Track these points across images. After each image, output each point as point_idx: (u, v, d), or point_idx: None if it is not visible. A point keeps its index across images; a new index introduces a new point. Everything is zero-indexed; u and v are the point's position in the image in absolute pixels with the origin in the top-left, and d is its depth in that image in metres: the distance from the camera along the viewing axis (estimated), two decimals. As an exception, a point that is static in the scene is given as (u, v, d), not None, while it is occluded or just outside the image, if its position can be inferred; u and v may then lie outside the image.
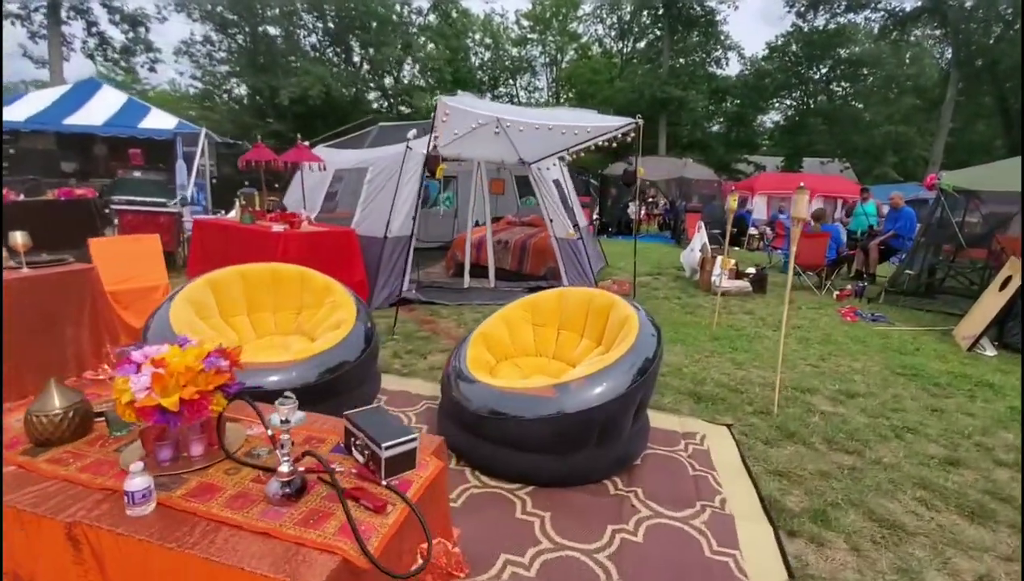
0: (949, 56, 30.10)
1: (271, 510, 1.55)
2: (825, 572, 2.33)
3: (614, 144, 5.84)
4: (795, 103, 34.17)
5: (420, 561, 1.72)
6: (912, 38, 31.20)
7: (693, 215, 13.49)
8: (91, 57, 21.04)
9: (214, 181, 12.45)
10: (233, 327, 3.70)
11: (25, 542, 1.55)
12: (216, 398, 1.83)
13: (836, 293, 7.95)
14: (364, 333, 3.58)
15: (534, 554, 2.30)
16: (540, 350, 3.68)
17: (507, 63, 36.90)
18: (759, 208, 15.36)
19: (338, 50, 31.78)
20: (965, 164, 8.72)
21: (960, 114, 28.26)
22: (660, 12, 30.50)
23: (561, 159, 6.57)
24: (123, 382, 1.64)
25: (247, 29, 29.30)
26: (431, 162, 4.80)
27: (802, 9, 30.12)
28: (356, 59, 33.13)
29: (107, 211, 7.00)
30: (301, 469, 1.69)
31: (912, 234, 9.14)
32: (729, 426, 3.66)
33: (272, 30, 30.13)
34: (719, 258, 7.71)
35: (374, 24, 30.59)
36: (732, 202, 5.57)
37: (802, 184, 3.62)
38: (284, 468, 1.66)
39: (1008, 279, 5.64)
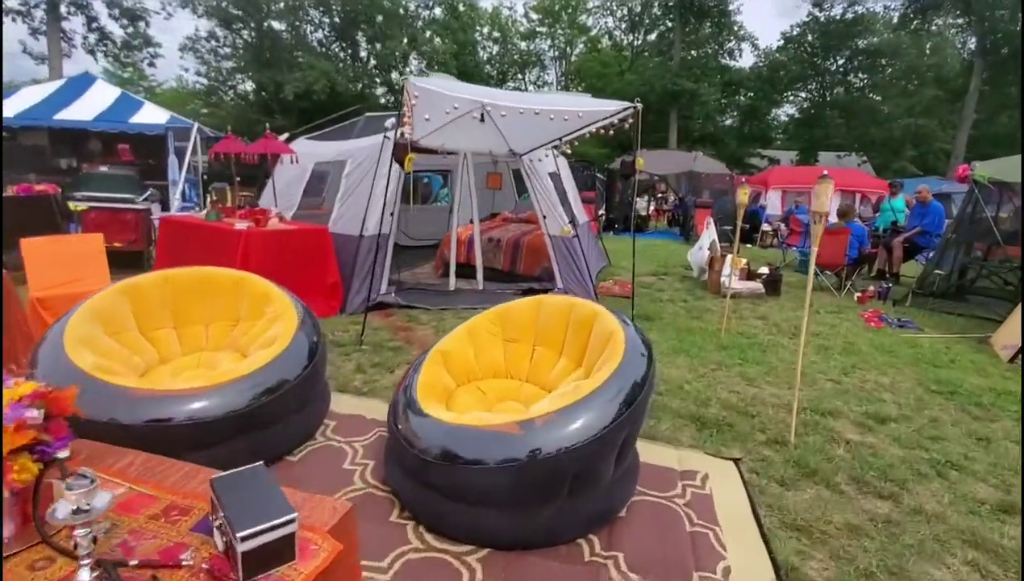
0: (972, 45, 28.96)
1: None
2: None
3: (611, 131, 5.23)
4: (811, 95, 33.16)
5: None
6: (934, 27, 30.07)
7: (703, 211, 12.80)
8: (92, 53, 20.75)
9: (205, 177, 12.01)
10: (155, 343, 3.17)
11: None
12: (21, 463, 1.31)
13: (857, 295, 7.27)
14: (307, 348, 3.05)
15: (471, 660, 1.73)
16: (511, 371, 3.10)
17: (515, 57, 36.23)
18: (773, 203, 14.62)
19: (344, 45, 31.31)
20: (990, 157, 7.97)
21: (984, 105, 27.12)
22: (671, 3, 29.63)
23: (556, 148, 5.99)
24: None
25: (252, 24, 28.92)
26: (399, 151, 4.24)
27: (819, -2, 29.12)
28: (363, 54, 32.67)
29: (72, 208, 6.52)
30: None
31: (940, 231, 8.42)
32: (737, 461, 3.06)
33: (278, 25, 29.74)
34: (729, 257, 7.06)
35: (380, 18, 30.07)
36: (743, 196, 4.95)
37: (825, 173, 3.00)
38: (83, 577, 1.15)
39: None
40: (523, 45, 36.57)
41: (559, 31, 36.18)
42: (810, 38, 31.09)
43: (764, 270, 7.25)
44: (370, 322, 5.31)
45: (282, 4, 29.10)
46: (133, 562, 1.21)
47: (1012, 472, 3.12)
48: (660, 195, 19.51)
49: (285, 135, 6.44)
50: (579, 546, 2.29)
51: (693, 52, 31.14)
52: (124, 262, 6.86)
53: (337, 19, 30.96)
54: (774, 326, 5.84)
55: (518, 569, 2.13)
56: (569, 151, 7.27)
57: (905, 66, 29.40)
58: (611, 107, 4.88)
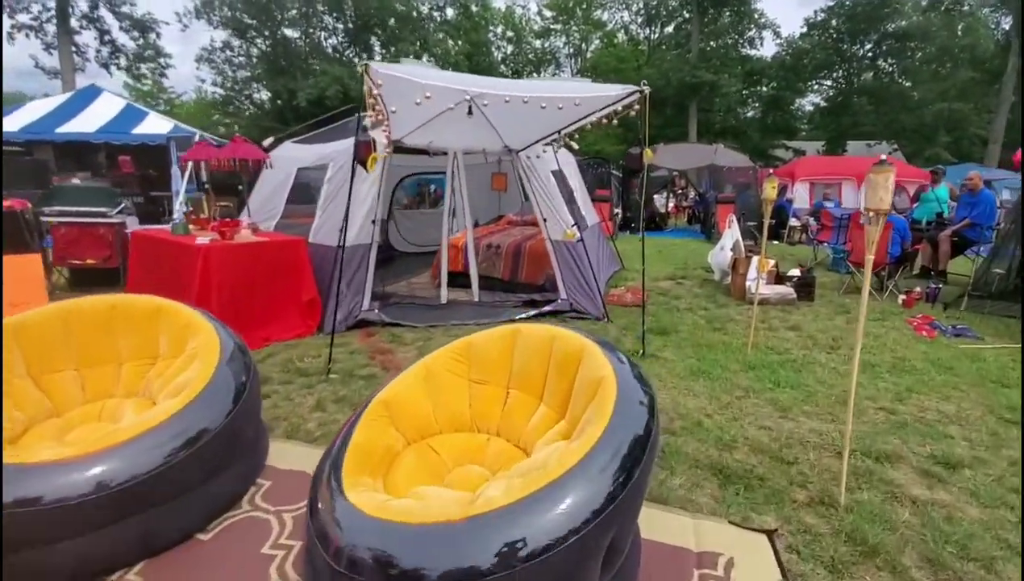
0: (1007, 26, 27.31)
1: None
2: None
3: (615, 120, 4.53)
4: (837, 83, 31.73)
5: None
6: (966, 7, 28.46)
7: (725, 207, 11.94)
8: (105, 66, 20.69)
9: (206, 186, 11.59)
10: (50, 389, 2.59)
11: None
12: None
13: (902, 297, 6.42)
14: (230, 390, 2.46)
15: None
16: (478, 421, 2.44)
17: (530, 56, 35.54)
18: (801, 196, 13.67)
19: (358, 49, 30.97)
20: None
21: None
22: (689, -7, 28.61)
23: (554, 143, 5.31)
24: None
25: (266, 33, 28.80)
26: (360, 150, 3.61)
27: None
28: (377, 58, 32.33)
29: (43, 222, 6.08)
30: None
31: (992, 222, 7.50)
32: (771, 534, 2.35)
33: (292, 33, 29.59)
34: (755, 258, 6.27)
35: (392, 21, 29.70)
36: (770, 190, 4.20)
37: (884, 156, 2.27)
38: None
39: None
40: (537, 43, 35.89)
41: (574, 27, 35.39)
42: (834, 23, 29.73)
43: (795, 272, 6.44)
44: (348, 343, 4.71)
45: (295, 12, 28.94)
46: None
47: None
48: (679, 191, 18.63)
49: (270, 139, 5.85)
50: None
51: (712, 43, 30.04)
52: (98, 280, 6.41)
53: (350, 24, 30.70)
54: (809, 339, 5.06)
55: None
56: (577, 147, 6.60)
57: (936, 49, 27.88)
58: (613, 91, 4.18)
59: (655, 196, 15.58)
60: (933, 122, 27.60)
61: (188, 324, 2.76)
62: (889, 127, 28.49)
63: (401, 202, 10.29)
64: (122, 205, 6.41)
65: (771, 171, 4.25)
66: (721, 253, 6.91)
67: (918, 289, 6.55)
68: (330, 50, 30.65)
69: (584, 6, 34.64)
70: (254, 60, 29.03)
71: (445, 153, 5.83)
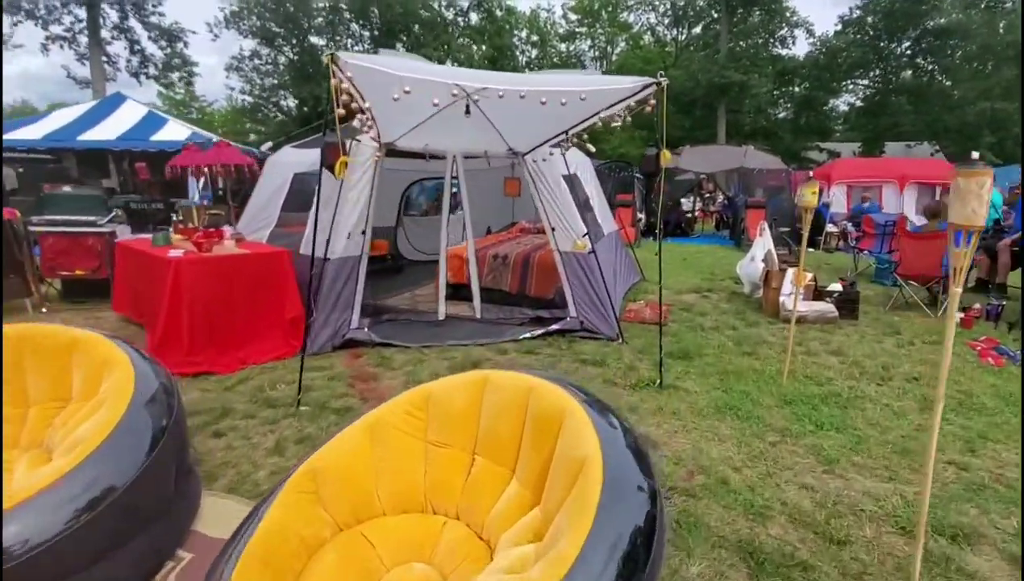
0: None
1: None
2: None
3: (629, 118, 3.95)
4: (873, 82, 30.27)
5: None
6: (1008, 4, 26.83)
7: (756, 212, 11.18)
8: (135, 76, 20.88)
9: (220, 192, 11.36)
10: (-65, 440, 2.14)
11: None
12: None
13: (959, 315, 5.63)
14: (144, 438, 2.00)
15: None
16: (434, 498, 1.89)
17: (555, 59, 34.92)
18: (838, 200, 12.78)
19: (383, 56, 30.80)
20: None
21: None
22: (718, -8, 27.64)
23: (562, 145, 4.76)
24: None
25: (294, 41, 28.90)
26: (329, 154, 3.12)
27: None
28: (401, 64, 32.16)
29: (31, 232, 5.78)
30: None
31: (1057, 229, 6.64)
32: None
33: (319, 41, 29.62)
34: (790, 271, 5.60)
35: (416, 27, 29.51)
36: (810, 195, 3.56)
37: (975, 154, 1.67)
38: None
39: None
40: (563, 47, 35.28)
41: (599, 30, 34.69)
42: (870, 20, 28.36)
43: (836, 287, 5.72)
44: (330, 367, 4.23)
45: (321, 20, 28.98)
46: None
47: None
48: (707, 195, 17.82)
49: (269, 144, 5.43)
50: None
51: (742, 43, 28.97)
52: (87, 291, 6.09)
53: (376, 32, 30.61)
54: (854, 366, 4.37)
55: None
56: (593, 149, 6.02)
57: (978, 46, 26.32)
58: (625, 84, 3.60)
59: (682, 200, 14.84)
60: (976, 122, 26.02)
61: (106, 360, 2.29)
62: (930, 127, 26.99)
63: (420, 207, 9.82)
64: (113, 213, 6.08)
65: (811, 174, 3.66)
66: (751, 264, 6.23)
67: (977, 306, 5.76)
68: (356, 57, 30.59)
69: (610, 8, 33.90)
70: (281, 68, 29.14)
71: (438, 157, 5.31)
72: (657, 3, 32.35)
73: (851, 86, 31.11)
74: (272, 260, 4.58)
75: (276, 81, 29.54)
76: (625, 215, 11.94)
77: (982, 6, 26.52)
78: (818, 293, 5.69)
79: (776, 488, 2.67)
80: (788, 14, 28.65)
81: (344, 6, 28.71)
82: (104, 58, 19.70)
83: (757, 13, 28.56)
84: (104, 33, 19.11)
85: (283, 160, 6.37)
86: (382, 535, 1.72)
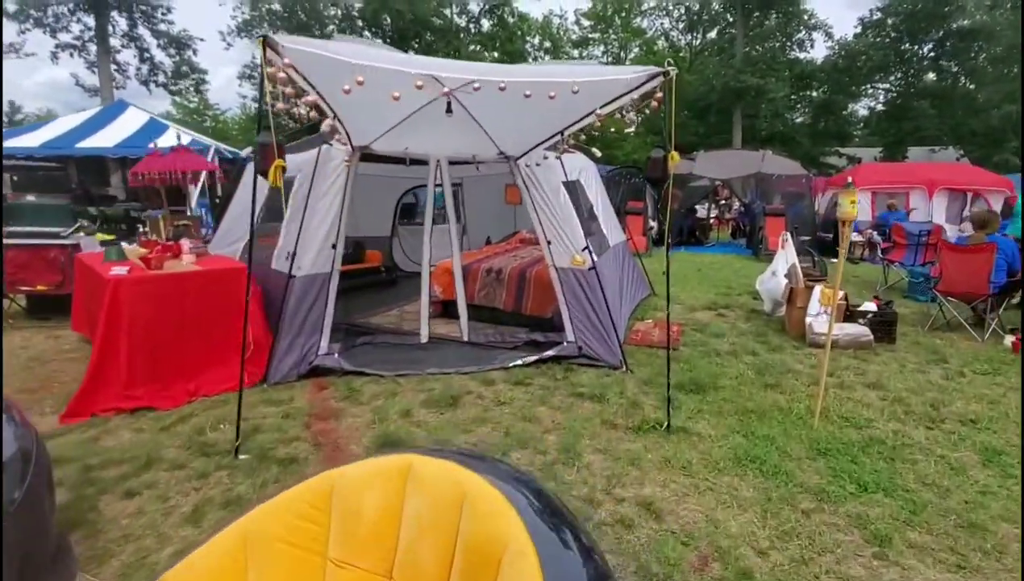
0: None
1: None
2: None
3: (633, 114, 3.36)
4: (894, 85, 29.25)
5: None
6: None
7: (775, 219, 10.48)
8: (145, 84, 20.76)
9: (216, 200, 10.95)
10: None
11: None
12: None
13: (1010, 339, 4.94)
14: None
15: None
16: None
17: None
18: (862, 207, 11.97)
19: (394, 63, 30.56)
20: None
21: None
22: (734, -5, 26.88)
23: (557, 147, 4.18)
24: None
25: (306, 49, 28.71)
26: (263, 156, 2.58)
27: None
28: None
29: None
30: None
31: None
32: None
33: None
34: (818, 288, 4.94)
35: (428, 35, 29.23)
36: (849, 205, 2.93)
37: None
38: None
39: None
40: (575, 53, 34.68)
41: (612, 36, 34.07)
42: (890, 22, 27.40)
43: (870, 306, 5.04)
44: (289, 400, 3.68)
45: (333, 28, 28.79)
46: None
47: None
48: (723, 201, 17.09)
49: (247, 149, 4.93)
50: None
51: (758, 47, 28.17)
52: (48, 309, 5.62)
53: (388, 40, 30.37)
54: (897, 403, 3.70)
55: None
56: (599, 154, 5.45)
57: (1003, 48, 25.27)
58: (626, 75, 3.01)
59: (696, 207, 14.14)
60: (1000, 126, 24.98)
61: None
62: (954, 131, 25.97)
63: (423, 216, 9.26)
64: (78, 224, 5.62)
65: (850, 179, 3.06)
66: (773, 280, 5.57)
67: (1032, 327, 5.04)
68: (368, 64, 30.39)
69: (623, 14, 33.30)
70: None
71: (420, 160, 4.76)
72: (671, 8, 31.70)
73: (871, 90, 30.15)
74: (229, 277, 4.05)
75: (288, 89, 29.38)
76: (636, 224, 11.31)
77: (1007, 7, 25.47)
78: (850, 313, 5.02)
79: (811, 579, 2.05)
80: (806, 17, 27.83)
81: (356, 14, 28.53)
82: (114, 66, 19.60)
83: (774, 16, 27.77)
84: (114, 41, 19.00)
85: (262, 166, 5.86)
86: None
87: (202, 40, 20.99)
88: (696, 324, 5.58)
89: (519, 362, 4.19)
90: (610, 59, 35.64)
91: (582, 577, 1.04)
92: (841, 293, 4.97)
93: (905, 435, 3.26)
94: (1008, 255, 5.12)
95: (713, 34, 31.02)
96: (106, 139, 12.35)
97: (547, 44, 34.47)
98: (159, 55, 19.90)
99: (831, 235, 11.11)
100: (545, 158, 4.34)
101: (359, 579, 1.34)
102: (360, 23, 29.74)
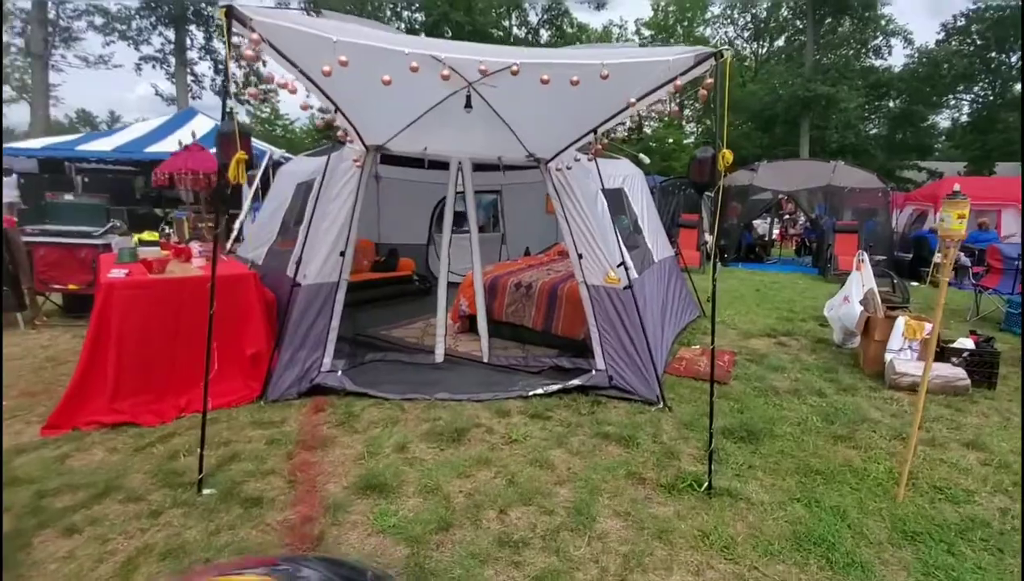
0: None
1: None
2: None
3: (677, 105, 2.77)
4: (979, 96, 26.75)
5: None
6: None
7: (846, 237, 9.46)
8: (219, 94, 21.61)
9: (257, 206, 11.00)
10: None
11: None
12: None
13: None
14: None
15: None
16: None
17: (627, 76, 33.54)
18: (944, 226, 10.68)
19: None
20: None
21: None
22: (804, 2, 25.31)
23: (585, 149, 3.64)
24: None
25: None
26: (223, 147, 2.19)
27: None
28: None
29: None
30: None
31: None
32: None
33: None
34: (901, 319, 4.14)
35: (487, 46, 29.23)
36: (956, 221, 2.23)
37: None
38: None
39: None
40: (635, 63, 33.82)
41: (674, 45, 33.00)
42: (976, 28, 25.06)
43: (965, 342, 4.17)
44: (282, 422, 3.29)
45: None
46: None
47: None
48: (787, 215, 15.91)
49: (282, 151, 4.67)
50: None
51: (830, 55, 26.45)
52: (83, 307, 5.52)
53: (449, 50, 30.60)
54: (1003, 470, 2.91)
55: None
56: (647, 160, 4.85)
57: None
58: (669, 57, 2.45)
59: (756, 221, 13.14)
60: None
61: None
62: (1051, 145, 23.41)
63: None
64: (110, 224, 5.53)
65: (956, 188, 2.42)
66: (846, 306, 4.77)
67: None
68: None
69: (685, 23, 32.21)
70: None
71: (441, 160, 4.33)
72: (736, 16, 30.35)
73: (954, 100, 27.72)
74: (233, 285, 3.73)
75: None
76: (689, 237, 10.53)
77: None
78: (940, 350, 4.17)
79: None
80: (883, 22, 25.89)
81: (418, 26, 28.86)
82: (191, 77, 20.51)
83: (848, 22, 26.00)
84: (192, 54, 19.87)
85: (290, 169, 5.63)
86: None
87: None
88: (751, 353, 4.85)
89: (540, 391, 3.65)
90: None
91: None
92: (927, 325, 4.15)
93: (1015, 516, 2.50)
94: None
95: (781, 41, 29.43)
96: (173, 144, 12.73)
97: (606, 54, 33.82)
98: (232, 67, 20.55)
99: (910, 255, 9.94)
100: (577, 160, 3.80)
101: None
102: (422, 34, 30.14)
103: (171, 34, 19.45)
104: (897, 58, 27.14)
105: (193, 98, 20.59)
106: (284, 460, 2.85)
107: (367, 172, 3.76)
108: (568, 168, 3.76)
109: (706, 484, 2.61)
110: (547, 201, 7.52)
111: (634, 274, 4.01)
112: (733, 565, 2.13)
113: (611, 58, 2.41)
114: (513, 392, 3.67)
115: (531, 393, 3.64)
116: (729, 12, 30.38)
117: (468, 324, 5.25)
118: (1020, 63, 17.73)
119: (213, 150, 4.41)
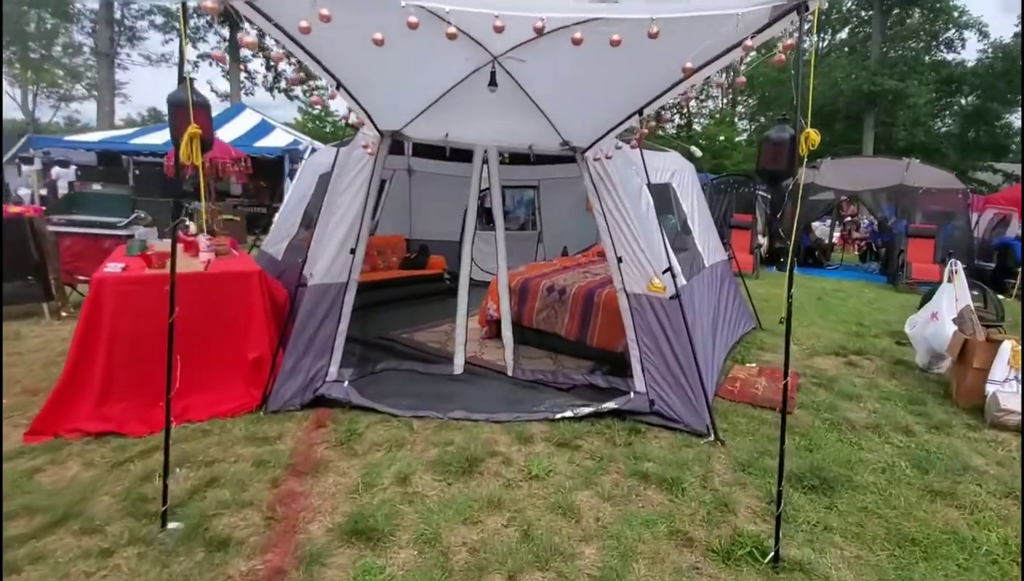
0: None
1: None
2: None
3: (738, 77, 2.21)
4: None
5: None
6: None
7: (920, 242, 8.49)
8: (269, 90, 21.91)
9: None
10: None
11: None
12: None
13: None
14: None
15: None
16: None
17: (677, 72, 32.23)
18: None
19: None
20: None
21: None
22: (871, -8, 23.60)
23: (629, 132, 3.11)
24: None
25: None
26: (177, 120, 1.78)
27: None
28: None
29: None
30: None
31: None
32: None
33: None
34: (1008, 343, 3.41)
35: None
36: None
37: None
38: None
39: None
40: (686, 59, 32.46)
41: (727, 40, 31.48)
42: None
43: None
44: (278, 438, 2.90)
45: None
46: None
47: None
48: (849, 218, 14.72)
49: (307, 140, 4.33)
50: None
51: (897, 48, 24.58)
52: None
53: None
54: None
55: None
56: (699, 153, 4.27)
57: None
58: (739, 9, 1.90)
59: (815, 223, 12.14)
60: None
61: None
62: None
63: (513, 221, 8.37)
64: (134, 215, 5.35)
65: None
66: (934, 324, 4.03)
67: None
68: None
69: (740, 17, 30.66)
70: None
71: (464, 147, 3.86)
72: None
73: (1035, 97, 25.29)
74: (236, 282, 3.37)
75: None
76: (742, 239, 9.72)
77: None
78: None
79: None
80: (956, 14, 23.80)
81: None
82: (244, 74, 20.83)
83: (917, 13, 24.07)
84: (245, 51, 20.09)
85: (314, 161, 5.30)
86: None
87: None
88: (818, 375, 4.17)
89: (569, 413, 3.14)
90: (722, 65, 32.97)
91: None
92: (1044, 352, 3.40)
93: None
94: None
95: (844, 34, 27.58)
96: (222, 137, 12.78)
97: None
98: (282, 64, 20.84)
99: (993, 264, 8.86)
100: (618, 148, 3.25)
101: None
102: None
103: (226, 32, 19.80)
104: (970, 52, 24.88)
105: (246, 94, 20.93)
106: (268, 488, 2.45)
107: (381, 161, 3.33)
108: (608, 157, 3.22)
109: (772, 554, 2.05)
110: (587, 198, 6.98)
111: (682, 281, 3.44)
112: (812, 682, 1.57)
113: (662, 12, 1.87)
114: (538, 412, 3.18)
115: (558, 415, 3.13)
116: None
117: (496, 329, 4.77)
118: (1020, 63, 16.12)
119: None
